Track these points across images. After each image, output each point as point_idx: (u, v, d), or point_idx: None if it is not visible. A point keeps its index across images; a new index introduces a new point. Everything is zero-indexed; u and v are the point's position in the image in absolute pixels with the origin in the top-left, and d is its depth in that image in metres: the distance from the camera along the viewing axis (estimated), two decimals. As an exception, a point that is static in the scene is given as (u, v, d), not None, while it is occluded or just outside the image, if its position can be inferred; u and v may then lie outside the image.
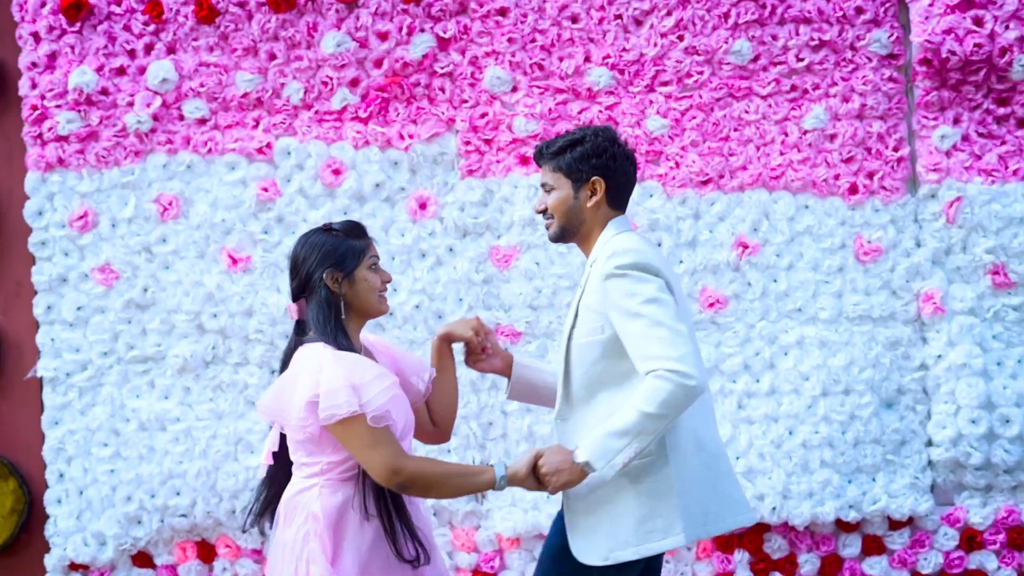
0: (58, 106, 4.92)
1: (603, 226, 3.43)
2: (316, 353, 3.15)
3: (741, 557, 4.83)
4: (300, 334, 3.28)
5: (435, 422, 3.57)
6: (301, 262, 3.31)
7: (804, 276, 4.90)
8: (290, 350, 3.30)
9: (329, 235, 3.33)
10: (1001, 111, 4.90)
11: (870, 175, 4.92)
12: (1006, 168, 4.88)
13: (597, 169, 3.40)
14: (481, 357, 3.57)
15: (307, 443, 3.20)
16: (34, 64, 4.94)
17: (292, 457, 3.28)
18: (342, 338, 3.23)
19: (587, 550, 3.29)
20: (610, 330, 3.26)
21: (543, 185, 3.46)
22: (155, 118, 4.96)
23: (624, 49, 4.90)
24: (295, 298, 3.32)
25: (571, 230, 3.42)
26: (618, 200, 3.44)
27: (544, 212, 3.45)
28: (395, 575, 3.23)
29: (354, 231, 3.36)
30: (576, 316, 3.37)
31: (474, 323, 3.57)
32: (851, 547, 4.87)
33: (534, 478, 3.22)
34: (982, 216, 4.83)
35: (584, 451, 3.13)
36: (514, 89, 4.94)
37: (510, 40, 4.89)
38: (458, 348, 3.53)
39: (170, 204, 4.94)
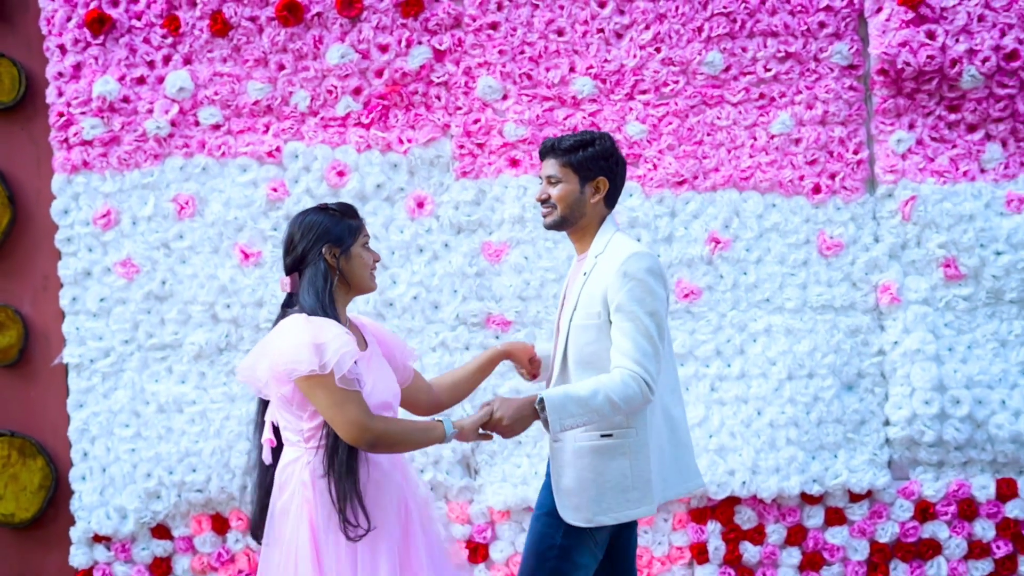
0: (83, 113, 5.13)
1: (598, 221, 3.68)
2: (291, 320, 3.28)
3: (714, 527, 5.03)
4: (287, 306, 3.39)
5: (437, 403, 3.77)
6: (299, 239, 3.41)
7: (771, 269, 5.11)
8: (276, 322, 3.41)
9: (326, 214, 3.45)
10: (952, 117, 5.10)
11: (832, 176, 5.13)
12: (957, 170, 5.09)
13: (603, 170, 3.66)
14: (527, 377, 3.87)
15: (285, 409, 3.29)
16: (60, 74, 5.14)
17: (282, 429, 3.38)
18: (330, 309, 3.35)
19: (574, 513, 3.53)
20: (605, 315, 3.52)
21: (548, 177, 3.68)
22: (173, 124, 5.16)
23: (606, 60, 5.11)
24: (288, 273, 3.43)
25: (571, 221, 3.66)
26: (613, 200, 3.70)
27: (545, 201, 3.69)
28: (382, 543, 3.38)
29: (349, 211, 3.52)
30: (578, 301, 3.60)
31: (531, 353, 3.85)
32: (815, 518, 5.06)
33: (477, 432, 3.41)
34: (935, 214, 5.04)
35: (546, 400, 3.36)
36: (504, 97, 5.14)
37: (501, 52, 5.10)
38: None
39: (187, 203, 5.14)
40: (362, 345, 3.47)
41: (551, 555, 3.62)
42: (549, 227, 3.71)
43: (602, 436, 3.55)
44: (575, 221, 3.68)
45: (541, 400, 3.41)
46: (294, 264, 3.42)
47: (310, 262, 3.41)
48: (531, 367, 3.86)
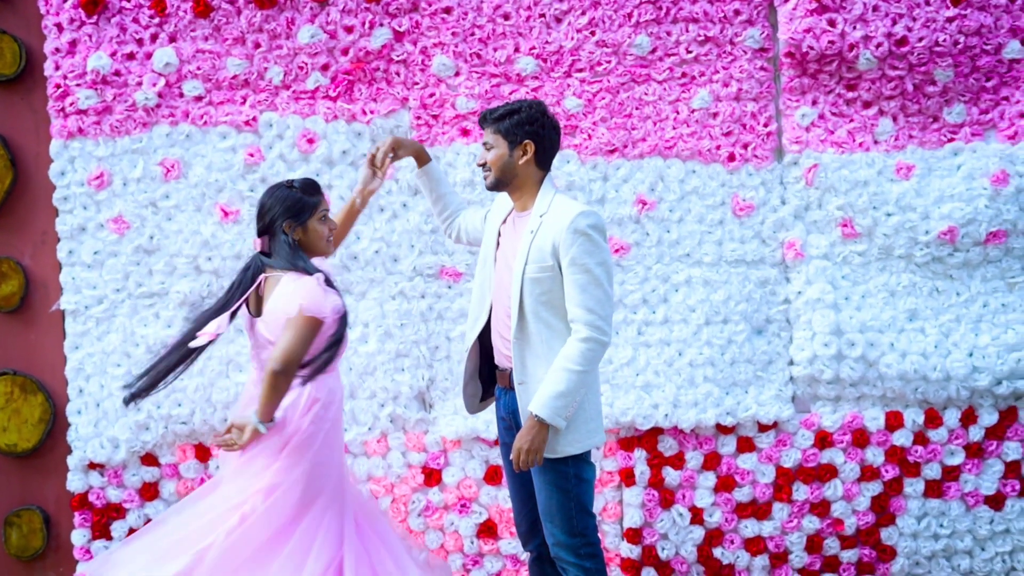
0: (78, 85, 5.30)
1: (534, 181, 4.07)
2: (294, 279, 3.98)
3: (640, 454, 5.45)
4: (262, 261, 4.08)
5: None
6: (267, 210, 4.09)
7: (691, 227, 5.49)
8: (255, 268, 4.09)
9: (290, 191, 4.12)
10: (850, 95, 5.47)
11: (745, 146, 5.50)
12: (853, 141, 5.47)
13: (529, 134, 4.04)
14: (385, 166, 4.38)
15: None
16: (57, 50, 5.31)
17: (258, 356, 4.08)
18: (301, 262, 4.01)
19: (571, 447, 3.99)
20: (557, 268, 3.94)
21: (485, 144, 4.09)
22: (159, 95, 5.37)
23: (547, 42, 5.45)
24: (259, 235, 4.11)
25: (504, 181, 4.10)
26: (544, 161, 4.09)
27: (484, 165, 4.12)
28: (329, 454, 4.09)
29: (309, 189, 4.14)
30: (528, 256, 3.99)
31: (375, 154, 4.36)
32: (728, 446, 5.50)
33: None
34: (834, 180, 5.43)
35: (542, 415, 3.85)
36: (457, 74, 5.47)
37: (453, 34, 5.42)
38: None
39: (172, 166, 5.37)
40: None
41: (572, 487, 4.05)
42: (489, 188, 4.13)
43: None
44: (509, 181, 4.08)
45: (536, 415, 3.87)
46: (263, 230, 4.09)
47: (275, 233, 4.06)
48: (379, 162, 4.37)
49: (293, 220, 4.10)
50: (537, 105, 4.10)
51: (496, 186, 4.12)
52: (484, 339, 4.32)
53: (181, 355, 4.14)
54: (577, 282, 3.89)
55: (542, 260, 3.96)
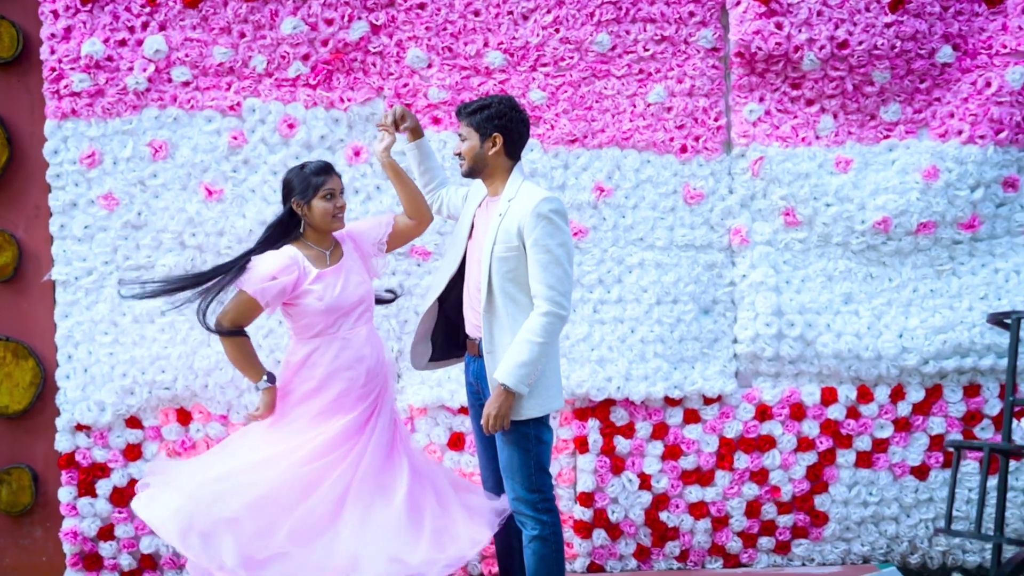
0: (72, 68, 5.49)
1: (504, 170, 4.39)
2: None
3: (593, 424, 5.74)
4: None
5: (410, 215, 4.73)
6: (285, 187, 4.54)
7: (645, 214, 5.78)
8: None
9: (301, 172, 4.54)
10: (794, 93, 5.78)
11: (696, 139, 5.79)
12: (797, 136, 5.77)
13: (498, 128, 4.36)
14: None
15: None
16: (53, 35, 5.51)
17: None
18: (269, 246, 4.48)
19: (530, 411, 4.31)
20: (522, 248, 4.27)
21: (460, 135, 4.42)
22: (149, 80, 5.57)
23: (514, 38, 5.72)
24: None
25: (477, 170, 4.43)
26: (513, 151, 4.41)
27: (459, 155, 4.45)
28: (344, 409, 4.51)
29: (320, 170, 4.55)
30: (496, 237, 4.31)
31: (390, 119, 4.69)
32: (675, 417, 5.81)
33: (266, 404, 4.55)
34: (778, 171, 5.73)
35: (508, 383, 4.18)
36: (429, 66, 5.70)
37: (427, 28, 5.68)
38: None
39: (160, 147, 5.57)
40: (335, 259, 4.49)
41: (532, 447, 4.37)
42: (464, 176, 4.47)
43: None
44: (481, 170, 4.42)
45: (502, 384, 4.21)
46: (284, 204, 4.57)
47: (285, 208, 4.49)
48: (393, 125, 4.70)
49: (300, 197, 4.51)
50: (507, 100, 4.42)
51: (470, 174, 4.47)
52: (448, 309, 4.65)
53: (195, 286, 4.58)
54: (539, 261, 4.23)
55: (509, 241, 4.29)
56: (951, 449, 3.39)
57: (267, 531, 4.24)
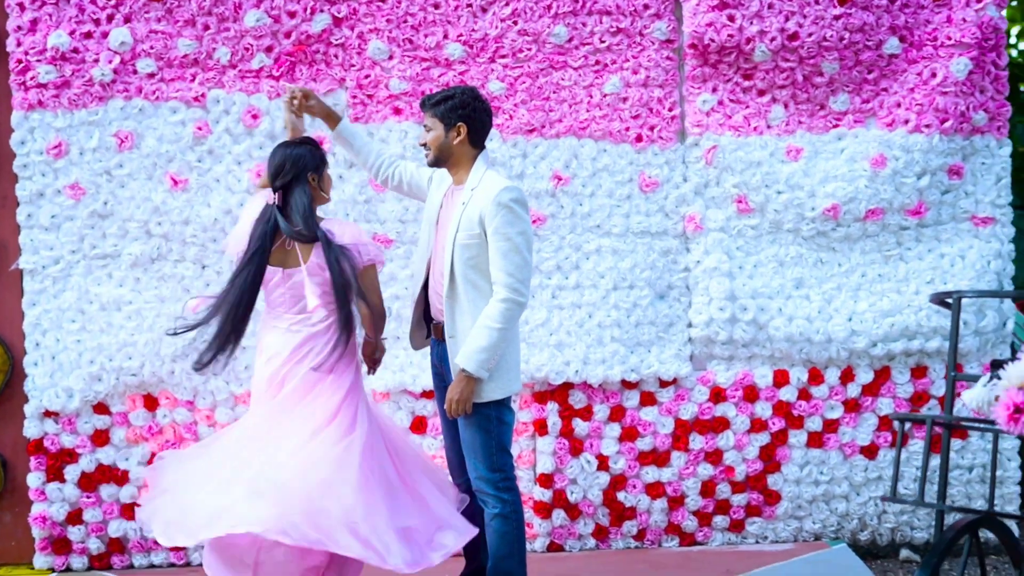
0: (39, 60, 5.58)
1: (468, 158, 4.49)
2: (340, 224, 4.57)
3: (552, 407, 5.89)
4: (270, 213, 4.46)
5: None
6: (289, 167, 4.49)
7: (602, 201, 5.92)
8: (273, 223, 4.45)
9: (308, 148, 4.59)
10: (746, 84, 5.95)
11: (651, 128, 5.94)
12: (749, 125, 5.94)
13: (462, 118, 4.46)
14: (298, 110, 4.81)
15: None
16: (20, 27, 5.59)
17: (295, 305, 4.52)
18: (315, 220, 4.48)
19: (490, 393, 4.41)
20: (483, 235, 4.37)
21: (425, 126, 4.52)
22: (115, 72, 5.65)
23: (473, 30, 5.86)
24: (275, 191, 4.49)
25: (442, 159, 4.53)
26: (476, 140, 4.51)
27: (424, 145, 4.55)
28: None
29: (317, 144, 4.65)
30: (459, 224, 4.41)
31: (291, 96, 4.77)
32: (632, 400, 5.95)
33: None
34: (731, 160, 5.89)
35: (468, 368, 4.29)
36: (390, 57, 5.83)
37: (388, 20, 5.81)
38: None
39: (126, 138, 5.66)
40: None
41: (493, 428, 4.48)
42: (429, 165, 4.58)
43: None
44: (446, 159, 4.53)
45: (463, 369, 4.33)
46: (283, 185, 4.48)
47: (297, 185, 4.47)
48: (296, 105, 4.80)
49: (314, 172, 4.59)
50: (470, 91, 4.54)
51: (435, 163, 4.58)
52: (429, 293, 4.75)
53: (237, 318, 4.51)
54: (500, 249, 4.35)
55: (471, 228, 4.40)
56: (896, 422, 3.57)
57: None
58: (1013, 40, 13.34)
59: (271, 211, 4.48)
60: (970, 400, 3.40)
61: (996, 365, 3.32)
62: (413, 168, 4.96)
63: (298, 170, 4.51)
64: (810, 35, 5.90)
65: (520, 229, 4.37)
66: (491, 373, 4.39)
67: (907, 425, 5.46)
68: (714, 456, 6.04)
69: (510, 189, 4.38)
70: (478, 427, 4.47)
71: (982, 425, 3.39)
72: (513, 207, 4.35)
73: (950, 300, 3.42)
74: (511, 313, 4.34)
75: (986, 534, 4.74)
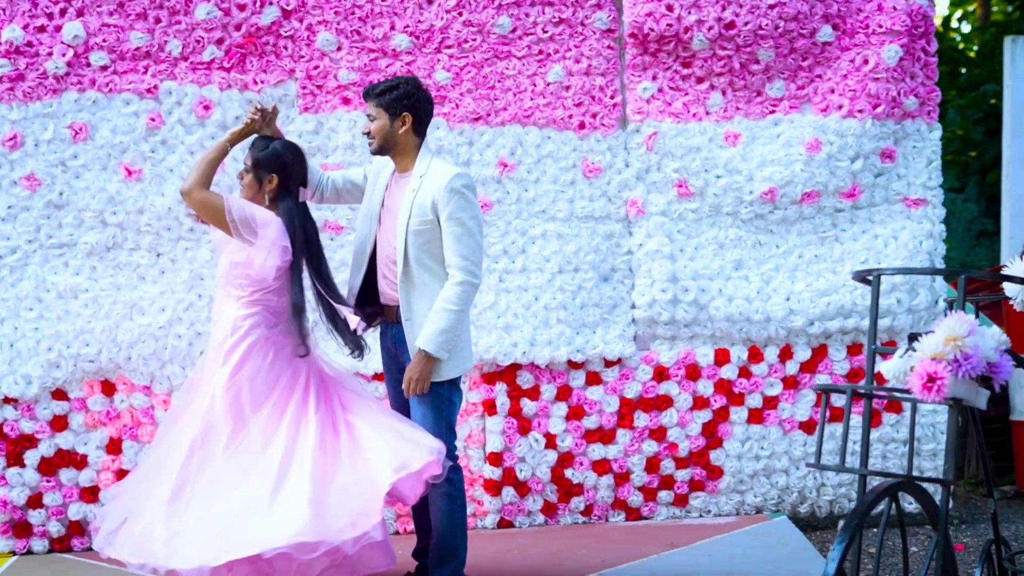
0: None
1: (413, 147, 4.60)
2: None
3: (501, 387, 6.01)
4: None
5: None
6: (276, 160, 4.71)
7: (547, 187, 6.07)
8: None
9: (285, 152, 4.75)
10: (685, 72, 6.10)
11: (594, 115, 6.09)
12: (688, 112, 6.09)
13: (407, 107, 4.58)
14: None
15: None
16: None
17: None
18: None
19: (447, 372, 4.54)
20: (436, 221, 4.49)
21: (368, 115, 4.62)
22: (69, 65, 5.71)
23: (419, 21, 5.97)
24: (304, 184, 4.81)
25: (387, 148, 4.64)
26: (420, 129, 4.64)
27: (368, 134, 4.66)
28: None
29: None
30: (411, 211, 4.53)
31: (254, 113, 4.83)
32: (578, 380, 6.09)
33: None
34: (671, 146, 6.05)
35: (429, 349, 4.43)
36: (339, 49, 5.93)
37: (336, 12, 5.91)
38: None
39: (80, 129, 5.72)
40: None
41: (444, 407, 4.63)
42: (373, 153, 4.69)
43: None
44: (391, 148, 4.64)
45: (423, 350, 4.46)
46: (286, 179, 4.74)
47: (281, 181, 4.71)
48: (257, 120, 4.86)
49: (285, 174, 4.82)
50: (413, 81, 4.66)
51: (379, 151, 4.69)
52: (365, 279, 4.86)
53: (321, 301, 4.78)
54: (453, 233, 4.49)
55: (423, 215, 4.53)
56: (820, 392, 3.76)
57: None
58: (955, 24, 13.56)
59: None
60: (887, 371, 3.57)
61: (912, 338, 3.48)
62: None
63: (278, 167, 4.80)
64: (746, 24, 6.07)
65: (472, 214, 4.51)
66: (451, 354, 4.55)
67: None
68: (658, 433, 6.21)
69: (461, 175, 4.52)
70: (431, 405, 4.60)
71: (899, 394, 3.56)
72: (465, 192, 4.49)
73: (870, 277, 3.60)
74: (467, 295, 4.49)
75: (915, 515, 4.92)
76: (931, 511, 3.59)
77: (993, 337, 3.43)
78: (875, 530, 5.89)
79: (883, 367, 3.57)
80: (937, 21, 13.07)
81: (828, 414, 6.26)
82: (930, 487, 5.79)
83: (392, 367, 4.83)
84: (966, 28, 14.02)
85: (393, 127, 4.59)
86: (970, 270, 3.42)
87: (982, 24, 12.50)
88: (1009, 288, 3.92)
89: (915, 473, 5.97)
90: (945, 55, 12.38)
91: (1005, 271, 3.85)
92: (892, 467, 6.25)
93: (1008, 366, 3.38)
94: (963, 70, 12.41)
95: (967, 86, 11.58)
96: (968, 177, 10.62)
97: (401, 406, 4.85)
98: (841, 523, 6.24)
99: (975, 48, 12.65)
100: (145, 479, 4.67)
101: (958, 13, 13.41)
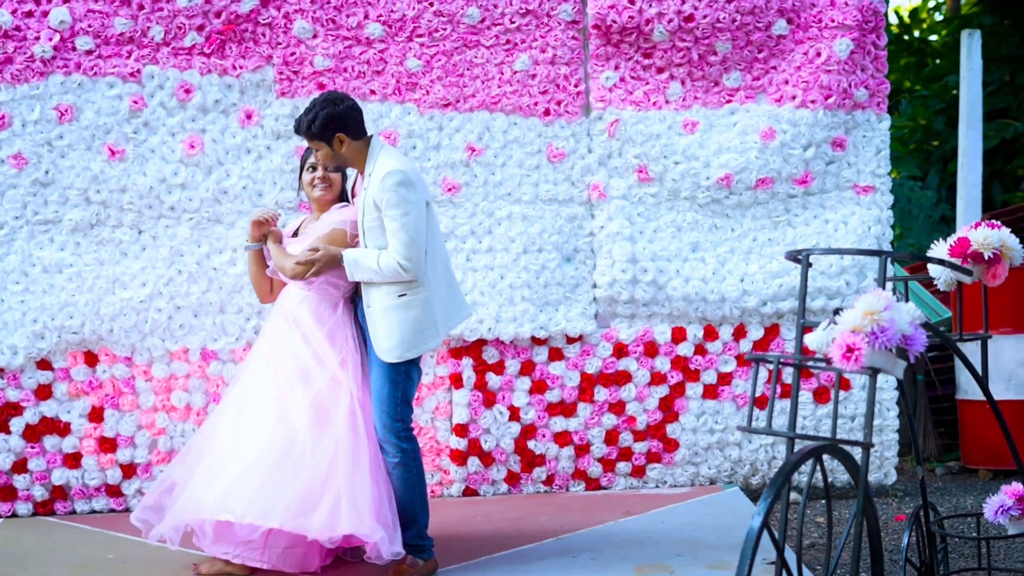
0: None
1: (360, 152, 4.70)
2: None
3: (467, 362, 6.24)
4: None
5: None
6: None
7: (513, 171, 6.29)
8: None
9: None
10: (646, 62, 6.33)
11: (558, 103, 6.31)
12: (648, 100, 6.32)
13: (336, 128, 4.64)
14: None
15: None
16: None
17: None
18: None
19: (385, 354, 4.63)
20: (380, 217, 4.61)
21: (313, 151, 4.75)
22: (55, 49, 5.90)
23: (392, 10, 6.18)
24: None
25: (342, 167, 4.84)
26: (358, 135, 4.70)
27: (325, 167, 4.84)
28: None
29: (307, 153, 4.96)
30: (364, 209, 4.67)
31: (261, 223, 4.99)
32: (541, 355, 6.33)
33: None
34: (632, 132, 6.28)
35: (345, 257, 4.59)
36: (314, 36, 6.13)
37: (312, 1, 6.11)
38: None
39: (66, 111, 5.92)
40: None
41: (401, 382, 4.73)
42: (334, 172, 4.89)
43: (399, 296, 4.59)
44: (345, 164, 4.77)
45: (341, 253, 4.62)
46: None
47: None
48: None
49: (300, 178, 5.06)
50: (328, 99, 4.70)
51: (338, 170, 4.91)
52: None
53: None
54: (389, 229, 4.62)
55: (371, 212, 4.67)
56: (751, 361, 3.97)
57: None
58: (924, 16, 13.76)
59: None
60: (811, 342, 3.82)
61: (836, 312, 3.72)
62: None
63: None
64: (705, 17, 6.31)
65: (404, 210, 4.59)
66: (406, 337, 4.67)
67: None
68: (617, 407, 6.46)
69: (393, 173, 4.58)
70: (387, 379, 4.74)
71: (822, 365, 3.78)
72: (398, 190, 4.57)
73: (800, 257, 3.78)
74: (391, 271, 4.58)
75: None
76: (853, 472, 3.81)
77: (908, 312, 3.69)
78: (822, 502, 6.16)
79: (808, 339, 3.80)
80: (905, 13, 13.33)
81: (779, 389, 6.50)
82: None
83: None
84: (939, 17, 14.25)
85: (336, 150, 4.72)
86: (890, 252, 3.66)
87: (951, 16, 12.73)
88: (932, 269, 4.16)
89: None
90: (912, 46, 12.64)
91: (929, 253, 4.10)
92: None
93: (921, 338, 3.62)
94: (938, 61, 12.64)
95: (931, 77, 11.84)
96: (930, 166, 10.89)
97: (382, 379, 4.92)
98: (792, 496, 6.52)
99: (943, 39, 12.90)
100: (192, 451, 4.89)
101: (932, 3, 13.65)
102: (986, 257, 3.97)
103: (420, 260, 4.60)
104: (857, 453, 5.38)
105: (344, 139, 4.67)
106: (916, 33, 13.31)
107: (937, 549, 4.21)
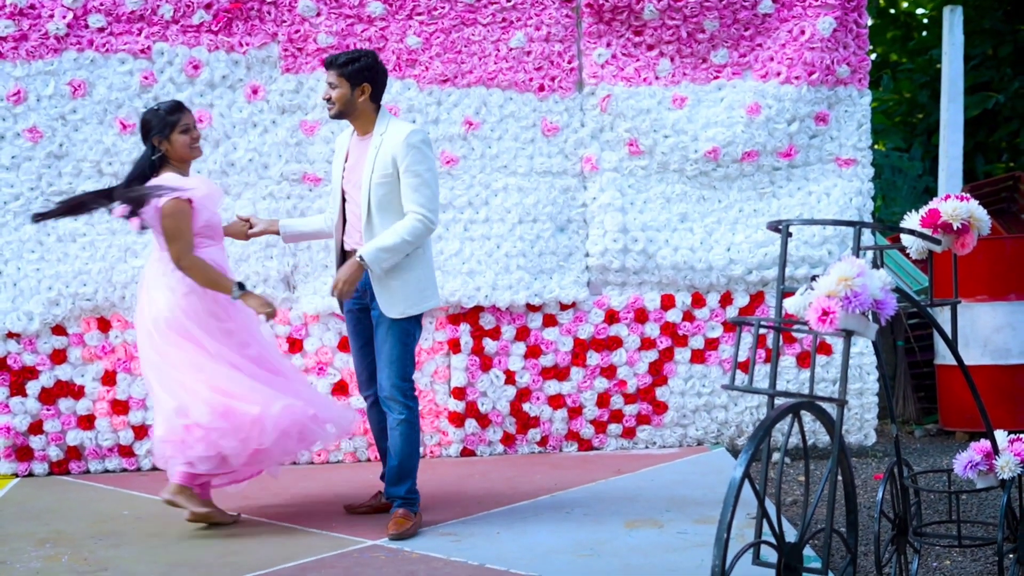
0: None
1: (370, 112, 4.89)
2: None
3: (465, 328, 6.43)
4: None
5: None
6: (144, 127, 5.04)
7: (509, 144, 6.46)
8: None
9: (154, 114, 5.03)
10: (637, 39, 6.51)
11: (552, 79, 6.49)
12: (639, 77, 6.51)
13: (367, 79, 4.88)
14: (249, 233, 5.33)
15: None
16: None
17: None
18: (141, 181, 4.98)
19: (390, 309, 4.80)
20: (396, 175, 4.80)
21: (330, 83, 4.92)
22: (69, 26, 6.05)
23: None
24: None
25: (346, 114, 4.95)
26: (377, 97, 4.95)
27: (329, 100, 4.96)
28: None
29: (172, 109, 5.06)
30: (373, 166, 4.83)
31: (239, 225, 5.26)
32: (535, 321, 6.52)
33: (261, 304, 4.96)
34: (623, 108, 6.45)
35: (366, 258, 4.72)
36: (318, 14, 6.27)
37: None
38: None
39: (79, 86, 6.07)
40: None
41: (410, 342, 4.96)
42: (332, 117, 5.00)
43: (404, 256, 4.76)
44: (350, 114, 4.92)
45: (360, 257, 4.76)
46: (145, 142, 5.06)
47: (147, 146, 5.01)
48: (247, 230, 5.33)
49: (159, 134, 5.03)
50: (372, 55, 4.95)
51: (338, 116, 5.01)
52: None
53: (94, 204, 5.10)
54: (411, 184, 4.83)
55: (384, 169, 4.86)
56: (732, 324, 4.12)
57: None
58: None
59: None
60: (789, 306, 4.06)
61: (813, 279, 3.96)
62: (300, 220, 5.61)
63: (144, 132, 5.06)
64: (694, -4, 6.48)
65: (427, 166, 4.84)
66: (412, 292, 4.87)
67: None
68: (608, 371, 6.67)
69: (417, 132, 4.84)
70: (398, 339, 4.93)
71: (799, 327, 4.01)
72: (421, 147, 4.82)
73: (780, 227, 3.96)
74: (419, 231, 4.79)
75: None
76: (829, 429, 4.05)
77: (880, 279, 3.93)
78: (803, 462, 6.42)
79: (787, 303, 4.04)
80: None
81: (763, 353, 6.71)
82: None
83: (355, 308, 5.12)
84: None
85: (353, 95, 4.89)
86: (863, 223, 3.89)
87: (938, -10, 12.89)
88: (905, 238, 4.40)
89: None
90: (899, 19, 12.81)
91: (901, 224, 4.34)
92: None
93: (892, 303, 3.86)
94: (924, 35, 12.77)
95: (917, 51, 12.03)
96: (914, 138, 11.10)
97: (362, 345, 5.15)
98: (776, 456, 6.79)
99: (929, 13, 13.08)
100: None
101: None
102: (955, 228, 4.17)
103: (438, 213, 4.83)
104: (834, 411, 5.61)
105: (366, 92, 4.85)
106: (905, 5, 13.45)
107: (911, 503, 4.39)
